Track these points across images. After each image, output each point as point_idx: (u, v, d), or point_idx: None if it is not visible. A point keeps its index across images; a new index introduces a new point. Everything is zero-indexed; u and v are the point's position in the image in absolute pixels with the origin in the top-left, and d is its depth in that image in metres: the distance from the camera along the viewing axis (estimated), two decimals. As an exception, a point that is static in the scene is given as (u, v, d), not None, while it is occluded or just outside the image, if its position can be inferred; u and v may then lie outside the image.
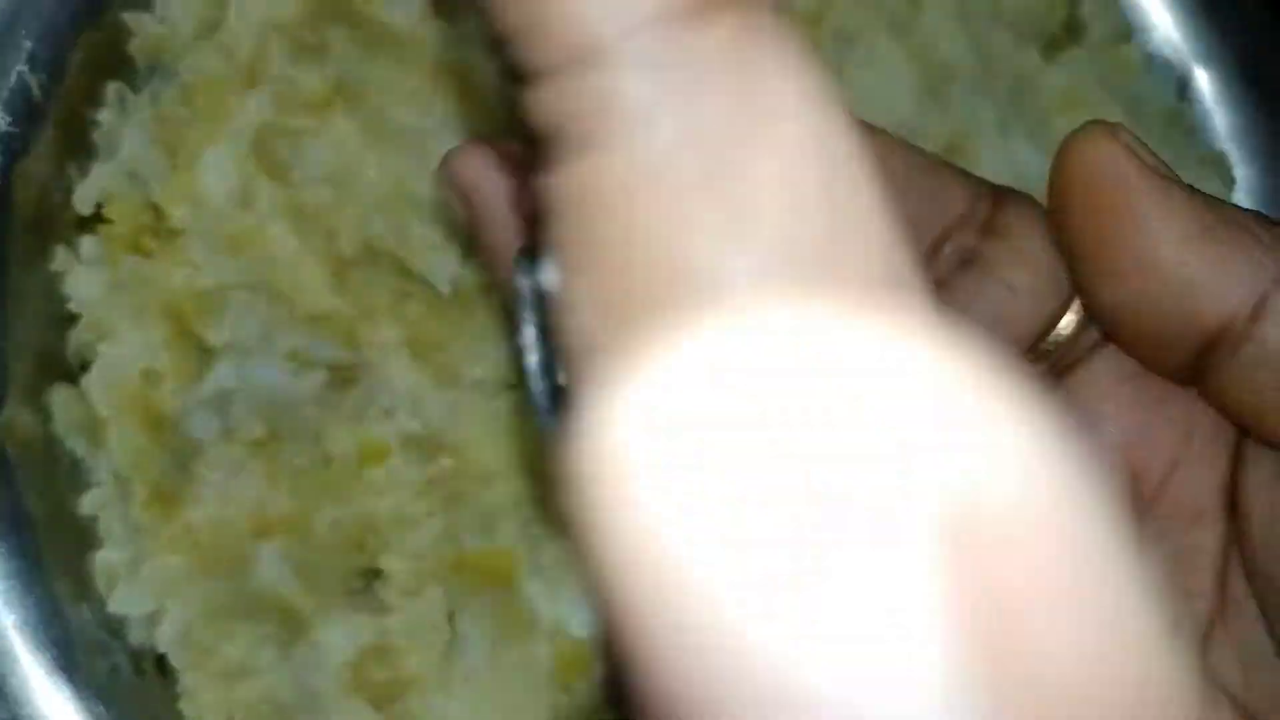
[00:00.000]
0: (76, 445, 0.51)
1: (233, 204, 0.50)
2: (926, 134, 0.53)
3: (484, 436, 0.50)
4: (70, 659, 0.48)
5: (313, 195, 0.51)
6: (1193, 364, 0.32)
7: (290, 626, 0.50)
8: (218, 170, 0.49)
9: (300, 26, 0.52)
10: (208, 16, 0.53)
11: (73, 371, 0.52)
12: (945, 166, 0.38)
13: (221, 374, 0.49)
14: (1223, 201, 0.33)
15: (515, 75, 0.20)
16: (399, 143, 0.51)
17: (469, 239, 0.37)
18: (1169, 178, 0.32)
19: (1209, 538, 0.33)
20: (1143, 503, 0.33)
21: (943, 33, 0.54)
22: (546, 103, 0.20)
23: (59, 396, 0.51)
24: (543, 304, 0.22)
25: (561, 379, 0.23)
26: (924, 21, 0.54)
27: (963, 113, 0.54)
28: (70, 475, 0.52)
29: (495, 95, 0.52)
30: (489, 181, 0.33)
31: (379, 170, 0.51)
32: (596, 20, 0.19)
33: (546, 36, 0.19)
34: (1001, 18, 0.55)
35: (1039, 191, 0.54)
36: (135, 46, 0.53)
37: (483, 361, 0.51)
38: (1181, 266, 0.31)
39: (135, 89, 0.53)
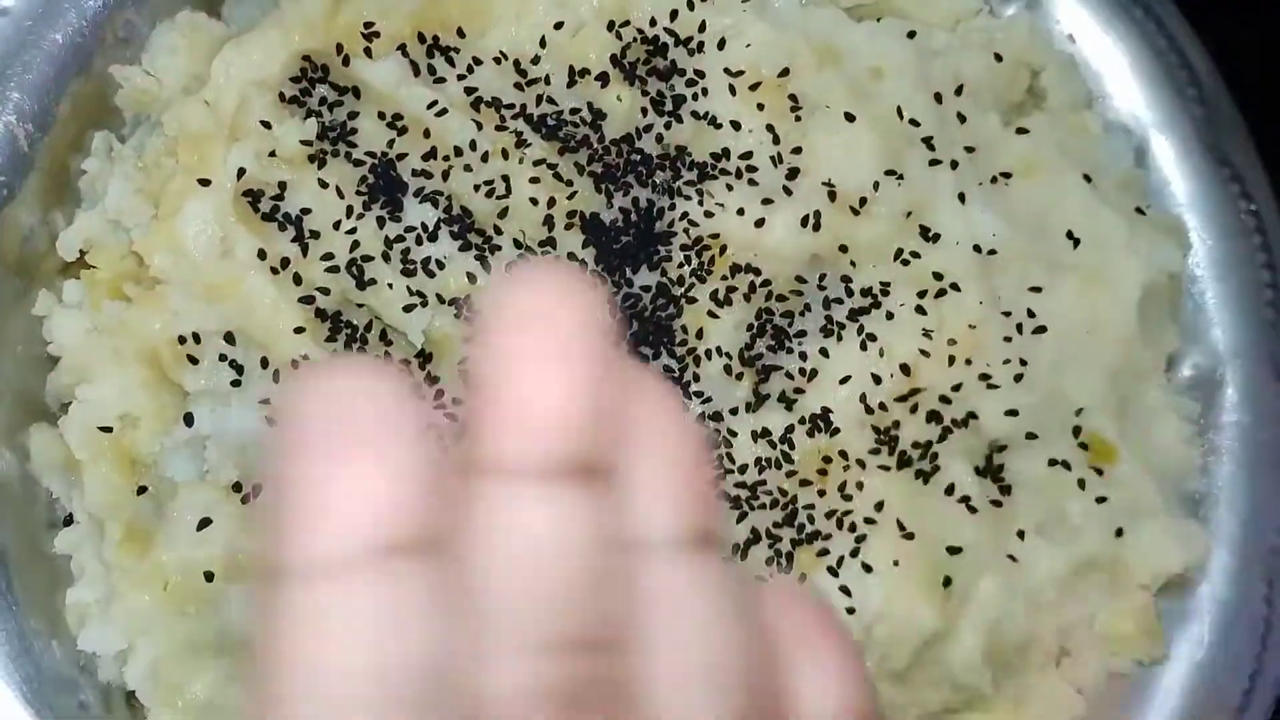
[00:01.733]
0: (53, 484, 0.52)
1: (212, 254, 0.51)
2: (887, 200, 0.55)
3: (450, 484, 0.51)
4: (39, 695, 0.49)
5: (290, 248, 0.52)
6: None
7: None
8: (198, 221, 0.51)
9: (282, 84, 0.54)
10: (193, 71, 0.54)
11: (52, 412, 0.53)
12: None
13: (197, 419, 0.50)
14: None
15: None
16: (376, 197, 0.53)
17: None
18: None
19: None
20: None
21: (904, 101, 0.55)
22: None
23: (38, 436, 0.52)
24: None
25: None
26: (885, 89, 0.55)
27: (922, 179, 0.55)
28: (46, 513, 0.53)
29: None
30: None
31: (356, 224, 0.52)
32: None
33: None
34: (963, 86, 0.56)
35: (1000, 253, 0.55)
36: (122, 98, 0.54)
37: (451, 409, 0.52)
38: None
39: (121, 139, 0.55)
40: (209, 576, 0.49)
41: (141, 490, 0.51)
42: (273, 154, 0.52)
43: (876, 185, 0.55)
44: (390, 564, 0.24)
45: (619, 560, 0.26)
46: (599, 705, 0.25)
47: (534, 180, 0.53)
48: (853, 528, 0.53)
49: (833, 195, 0.54)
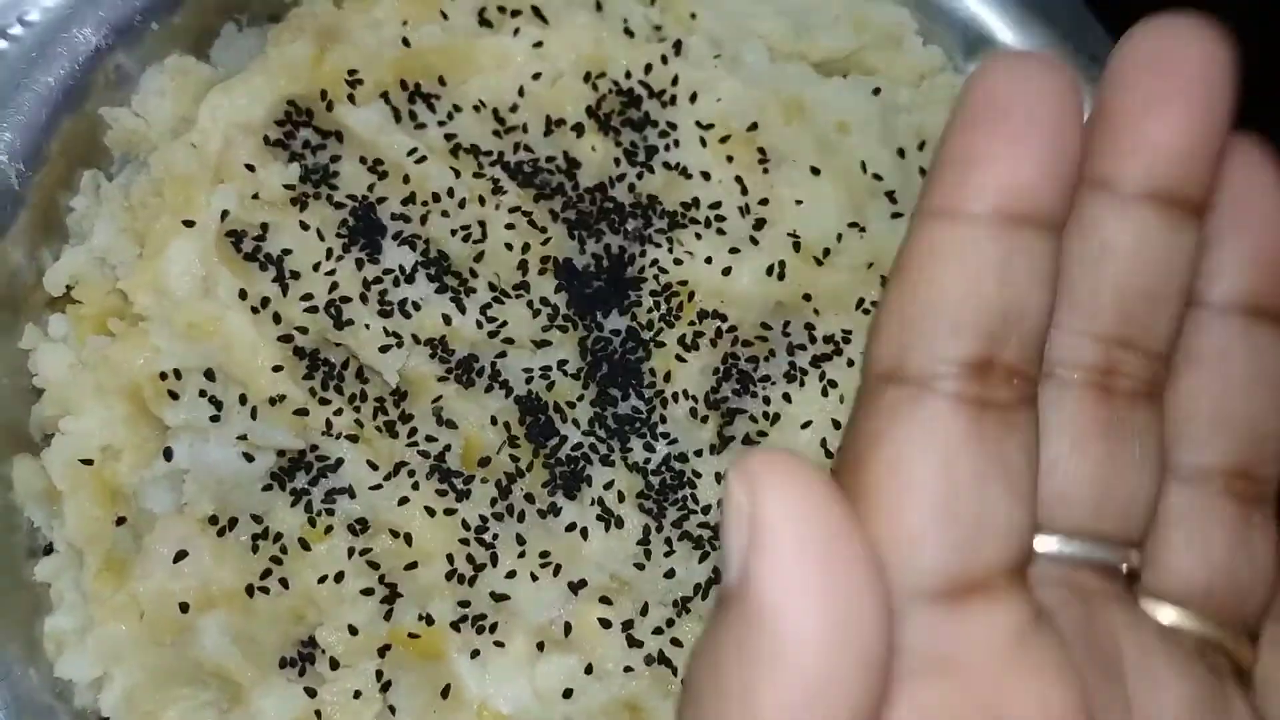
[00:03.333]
0: (34, 514, 0.53)
1: (194, 293, 0.52)
2: (850, 251, 0.56)
3: (421, 520, 0.53)
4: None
5: (271, 287, 0.53)
6: None
7: (229, 695, 0.51)
8: (182, 261, 0.52)
9: (266, 128, 0.55)
10: (181, 113, 0.56)
11: (35, 443, 0.54)
12: None
13: (176, 453, 0.52)
14: None
15: None
16: (355, 240, 0.54)
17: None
18: None
19: None
20: None
21: (868, 155, 0.57)
22: None
23: (20, 467, 0.53)
24: None
25: None
26: (850, 144, 0.57)
27: (884, 231, 0.57)
28: (26, 542, 0.54)
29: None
30: None
31: (335, 265, 0.54)
32: None
33: None
34: (925, 141, 0.58)
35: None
36: (111, 138, 0.56)
37: (425, 446, 0.53)
38: None
39: (109, 177, 0.56)
40: (184, 607, 0.50)
41: (120, 521, 0.52)
42: (256, 196, 0.54)
43: (840, 237, 0.56)
44: (1010, 228, 0.28)
45: (1181, 290, 0.30)
46: (1130, 398, 0.30)
47: (509, 226, 0.55)
48: (813, 567, 0.54)
49: (797, 246, 0.56)
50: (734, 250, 0.55)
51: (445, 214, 0.55)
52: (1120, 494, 0.31)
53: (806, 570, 0.24)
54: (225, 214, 0.53)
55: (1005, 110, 0.28)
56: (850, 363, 0.55)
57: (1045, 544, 0.30)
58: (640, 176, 0.56)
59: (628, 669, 0.52)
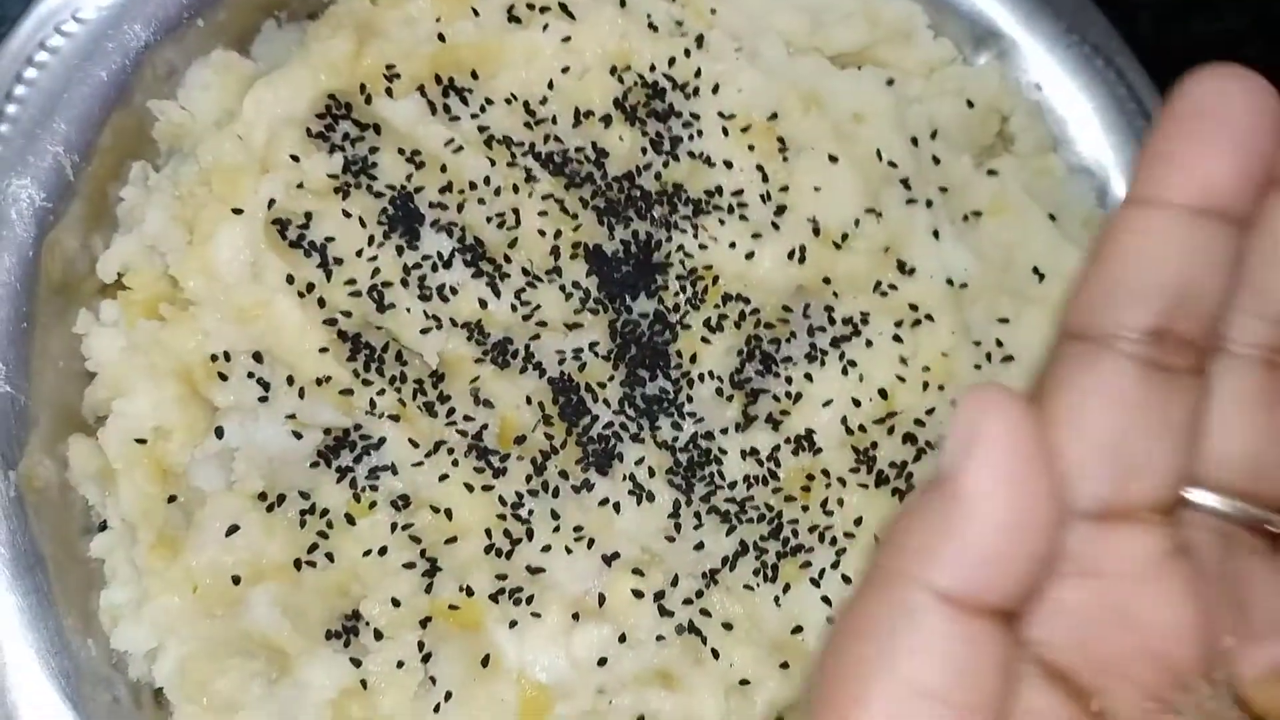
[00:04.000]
0: (89, 492, 0.55)
1: (243, 278, 0.54)
2: (867, 236, 0.59)
3: (460, 495, 0.55)
4: (76, 690, 0.52)
5: (315, 273, 0.55)
6: None
7: (278, 665, 0.53)
8: (230, 247, 0.54)
9: (308, 120, 0.57)
10: (225, 106, 0.58)
11: (89, 425, 0.56)
12: None
13: (227, 431, 0.54)
14: None
15: None
16: (395, 227, 0.56)
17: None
18: None
19: None
20: None
21: (883, 144, 0.59)
22: None
23: (76, 447, 0.55)
24: None
25: None
26: (866, 133, 0.59)
27: (900, 216, 0.59)
28: (82, 519, 0.56)
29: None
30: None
31: (377, 252, 0.56)
32: None
33: None
34: (938, 130, 0.60)
35: (971, 286, 0.59)
36: (159, 131, 0.58)
37: (463, 425, 0.55)
38: None
39: (156, 169, 0.58)
40: (236, 580, 0.52)
41: (172, 499, 0.54)
42: (300, 185, 0.56)
43: (857, 222, 0.58)
44: (1199, 219, 0.32)
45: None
46: None
47: (542, 213, 0.57)
48: (833, 541, 0.56)
49: (817, 230, 0.58)
50: (756, 235, 0.58)
51: (481, 202, 0.57)
52: (1278, 461, 0.34)
53: (1004, 471, 0.30)
54: (272, 202, 0.55)
55: (1206, 116, 0.32)
56: (869, 343, 0.58)
57: (1202, 497, 0.34)
58: (666, 165, 0.58)
59: (660, 638, 0.54)
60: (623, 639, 0.54)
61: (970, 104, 0.62)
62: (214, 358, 0.54)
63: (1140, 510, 0.33)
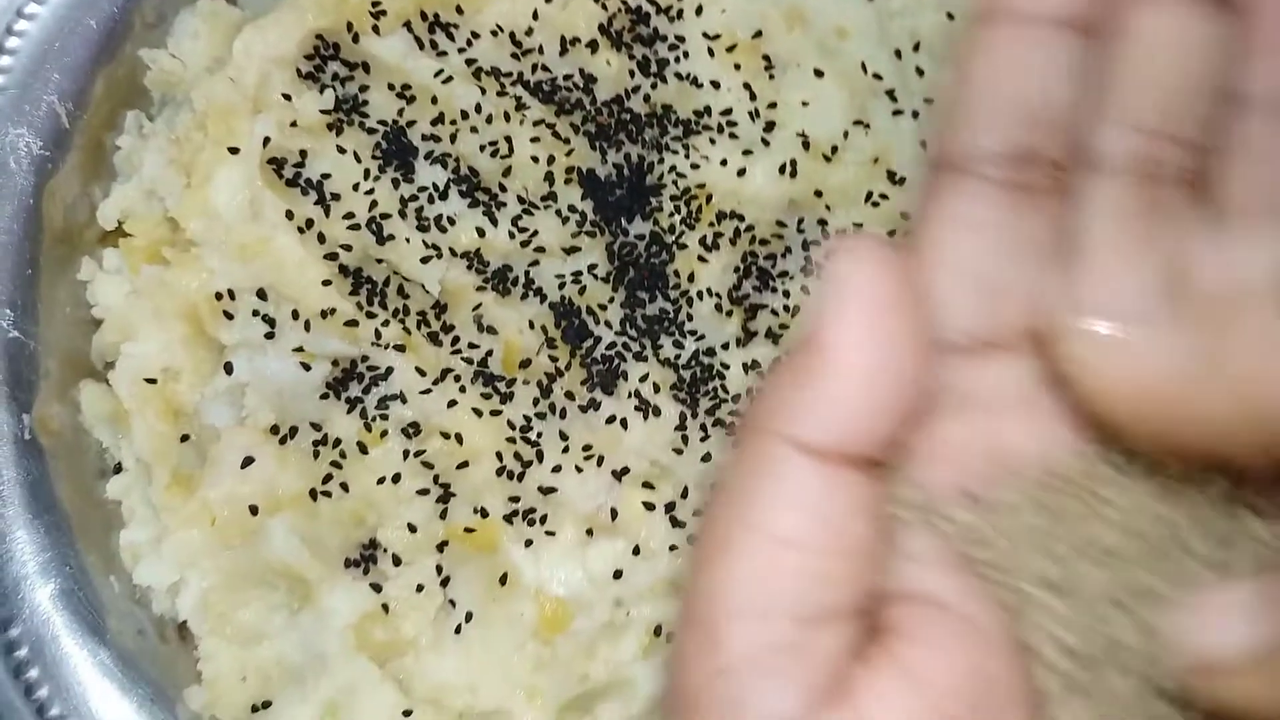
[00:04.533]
0: (103, 435, 0.56)
1: (243, 217, 0.55)
2: (856, 148, 0.59)
3: (470, 421, 0.55)
4: (102, 624, 0.53)
5: (314, 209, 0.56)
6: None
7: (299, 594, 0.54)
8: (229, 187, 0.54)
9: (298, 61, 0.57)
10: (215, 53, 0.58)
11: (97, 370, 0.57)
12: None
13: (236, 367, 0.54)
14: None
15: None
16: (390, 161, 0.57)
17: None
18: None
19: None
20: None
21: (867, 57, 0.60)
22: None
23: (87, 391, 0.55)
24: None
25: None
26: (850, 48, 0.60)
27: (887, 128, 0.60)
28: (96, 463, 0.56)
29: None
30: None
31: (373, 185, 0.56)
32: None
33: None
34: (920, 42, 0.61)
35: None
36: (150, 79, 0.58)
37: (468, 353, 0.56)
38: None
39: (150, 117, 0.59)
40: (253, 510, 0.53)
41: (184, 438, 0.55)
42: (294, 124, 0.56)
43: (846, 134, 0.59)
44: (1052, 30, 0.31)
45: (1217, 82, 0.32)
46: (1171, 186, 0.32)
47: (534, 140, 0.57)
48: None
49: (806, 145, 0.59)
50: (747, 153, 0.58)
51: (474, 130, 0.57)
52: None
53: (865, 321, 0.30)
54: (267, 141, 0.55)
55: None
56: (863, 252, 0.58)
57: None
58: (654, 87, 0.59)
59: (672, 548, 0.55)
60: (636, 551, 0.55)
61: (950, 16, 0.63)
62: (219, 296, 0.54)
63: (1012, 338, 0.32)
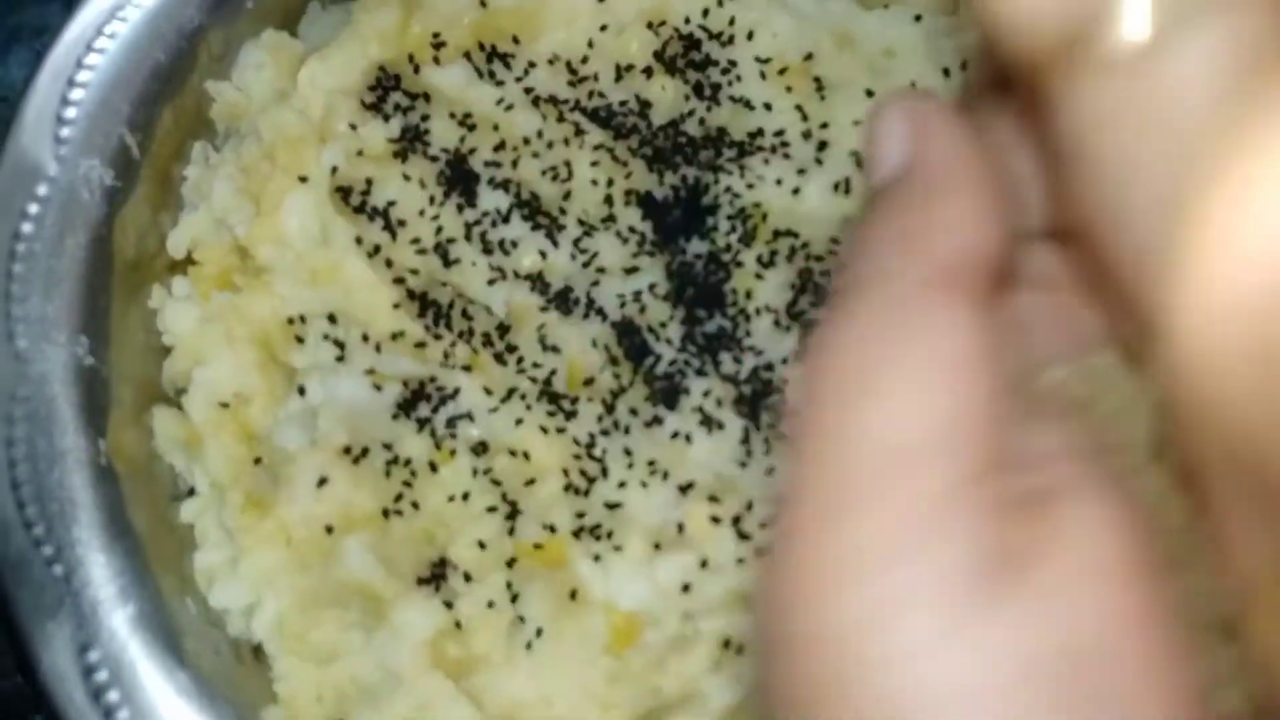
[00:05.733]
0: (175, 460, 0.56)
1: (312, 243, 0.55)
2: (905, 165, 0.60)
3: (536, 438, 0.56)
4: (179, 647, 0.52)
5: (381, 235, 0.56)
6: None
7: (372, 612, 0.54)
8: (299, 214, 0.55)
9: (361, 92, 0.58)
10: (278, 85, 0.59)
11: (169, 396, 0.57)
12: None
13: (308, 391, 0.54)
14: None
15: None
16: (453, 187, 0.58)
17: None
18: None
19: None
20: None
21: (916, 75, 0.61)
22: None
23: (160, 417, 0.56)
24: None
25: None
26: (898, 66, 0.61)
27: (935, 146, 0.61)
28: (169, 487, 0.57)
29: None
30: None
31: (438, 211, 0.57)
32: None
33: None
34: (967, 61, 0.62)
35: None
36: (216, 111, 0.59)
37: (532, 372, 0.56)
38: None
39: (216, 148, 0.59)
40: (329, 530, 0.53)
41: (257, 461, 0.55)
42: (360, 153, 0.57)
43: (896, 154, 0.60)
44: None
45: None
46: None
47: (593, 164, 0.58)
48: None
49: (859, 163, 0.59)
50: (800, 172, 0.59)
51: (535, 155, 0.58)
52: None
53: (970, 147, 0.29)
54: (334, 170, 0.56)
55: None
56: (916, 267, 0.59)
57: None
58: (709, 110, 0.60)
59: (740, 561, 0.55)
60: (704, 564, 0.55)
61: (990, 38, 0.64)
62: (290, 321, 0.55)
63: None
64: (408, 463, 0.54)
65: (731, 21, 0.61)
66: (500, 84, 0.60)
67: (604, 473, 0.56)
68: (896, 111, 0.29)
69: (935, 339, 0.27)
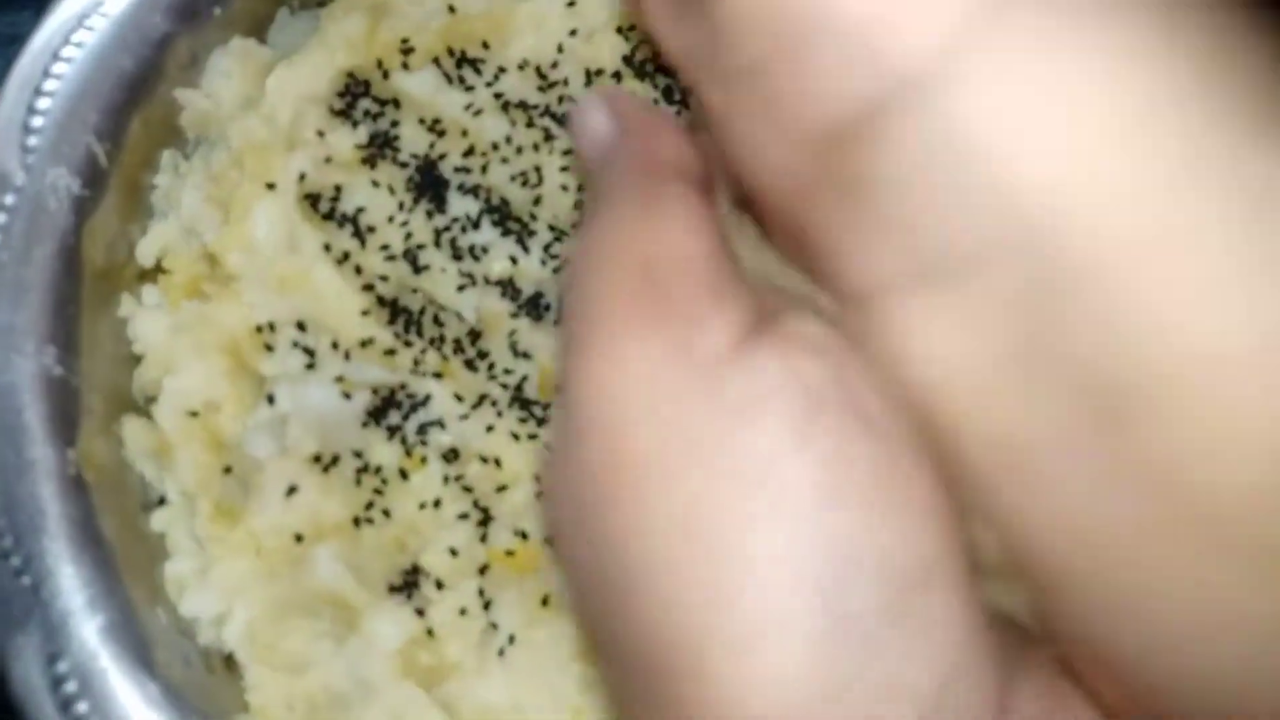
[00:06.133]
0: (146, 469, 0.56)
1: (281, 250, 0.55)
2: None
3: (507, 445, 0.55)
4: (149, 657, 0.52)
5: (350, 242, 0.56)
6: None
7: (344, 621, 0.54)
8: (267, 221, 0.55)
9: (330, 99, 0.58)
10: (247, 92, 0.58)
11: (139, 405, 0.57)
12: None
13: (277, 399, 0.54)
14: None
15: None
16: (423, 193, 0.57)
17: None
18: None
19: None
20: None
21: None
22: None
23: (130, 426, 0.55)
24: None
25: None
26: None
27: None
28: (140, 496, 0.56)
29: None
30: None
31: (408, 217, 0.57)
32: None
33: None
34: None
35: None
36: (185, 119, 0.58)
37: (503, 378, 0.56)
38: None
39: (186, 156, 0.59)
40: (299, 538, 0.53)
41: (227, 470, 0.54)
42: (328, 160, 0.56)
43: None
44: None
45: None
46: None
47: (564, 169, 0.58)
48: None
49: (829, 167, 0.59)
50: (771, 176, 0.59)
51: (504, 161, 0.58)
52: None
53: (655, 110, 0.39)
54: (302, 177, 0.56)
55: None
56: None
57: None
58: (679, 114, 0.60)
59: (711, 565, 0.55)
60: (676, 570, 0.54)
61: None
62: (259, 329, 0.54)
63: None
64: (378, 470, 0.54)
65: (701, 26, 0.60)
66: (470, 89, 0.59)
67: (576, 478, 0.55)
68: (592, 99, 0.36)
69: (684, 201, 0.32)
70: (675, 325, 0.30)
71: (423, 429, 0.55)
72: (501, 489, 0.55)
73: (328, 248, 0.55)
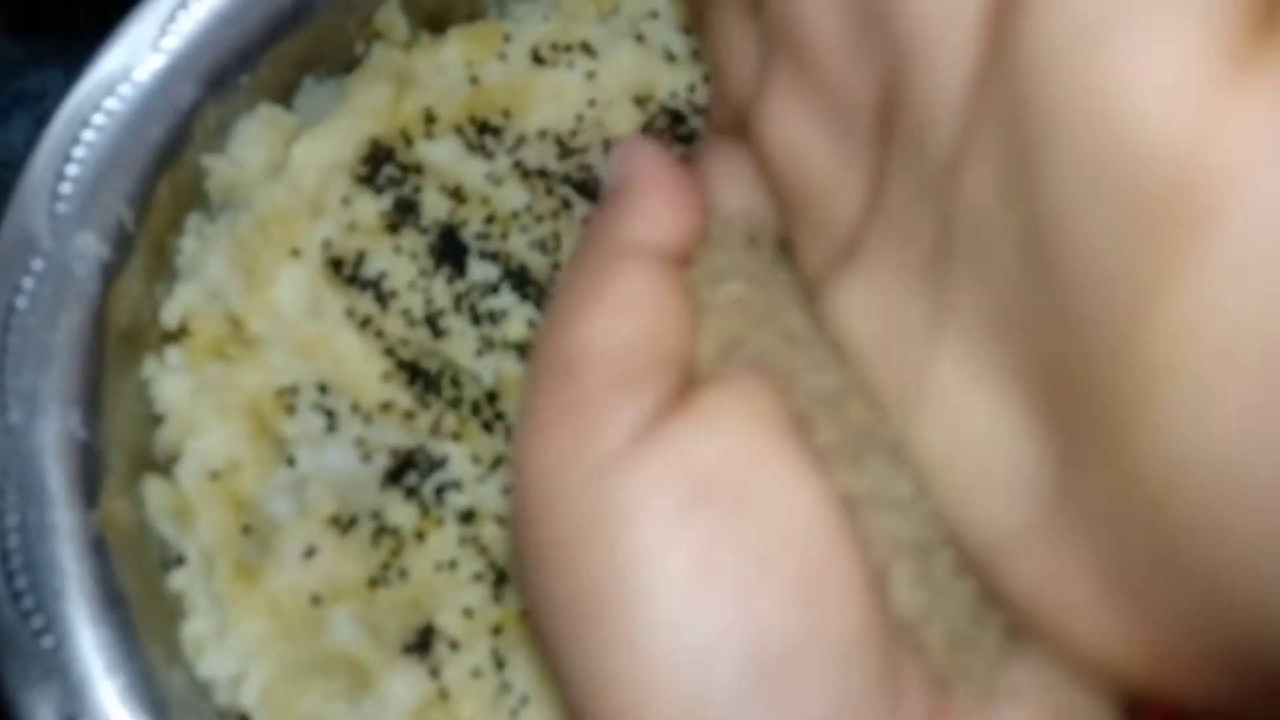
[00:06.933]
0: (166, 529, 0.56)
1: (304, 314, 0.55)
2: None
3: (523, 507, 0.56)
4: (166, 718, 0.52)
5: (372, 306, 0.57)
6: None
7: (359, 682, 0.54)
8: (291, 287, 0.55)
9: (354, 166, 0.59)
10: (273, 158, 0.59)
11: (161, 466, 0.57)
12: None
13: (298, 461, 0.54)
14: None
15: None
16: (443, 259, 0.58)
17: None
18: None
19: None
20: None
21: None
22: None
23: (151, 486, 0.55)
24: None
25: None
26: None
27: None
28: (159, 556, 0.56)
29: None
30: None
31: (428, 283, 0.57)
32: None
33: None
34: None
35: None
36: (211, 184, 0.59)
37: (520, 442, 0.57)
38: None
39: (211, 220, 0.59)
40: (316, 600, 0.53)
41: (245, 530, 0.55)
42: (352, 226, 0.57)
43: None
44: None
45: None
46: None
47: (581, 236, 0.59)
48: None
49: (840, 236, 0.60)
50: (784, 245, 0.60)
51: (523, 229, 0.58)
52: None
53: (653, 162, 0.39)
54: (327, 244, 0.56)
55: None
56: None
57: None
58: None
59: (724, 629, 0.55)
60: (689, 633, 0.54)
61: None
62: (281, 391, 0.55)
63: None
64: (395, 531, 0.54)
65: (716, 98, 0.61)
66: (490, 157, 0.60)
67: (590, 541, 0.55)
68: (614, 151, 0.39)
69: (626, 279, 0.35)
70: (583, 419, 0.33)
71: (440, 490, 0.55)
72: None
73: (350, 312, 0.55)
